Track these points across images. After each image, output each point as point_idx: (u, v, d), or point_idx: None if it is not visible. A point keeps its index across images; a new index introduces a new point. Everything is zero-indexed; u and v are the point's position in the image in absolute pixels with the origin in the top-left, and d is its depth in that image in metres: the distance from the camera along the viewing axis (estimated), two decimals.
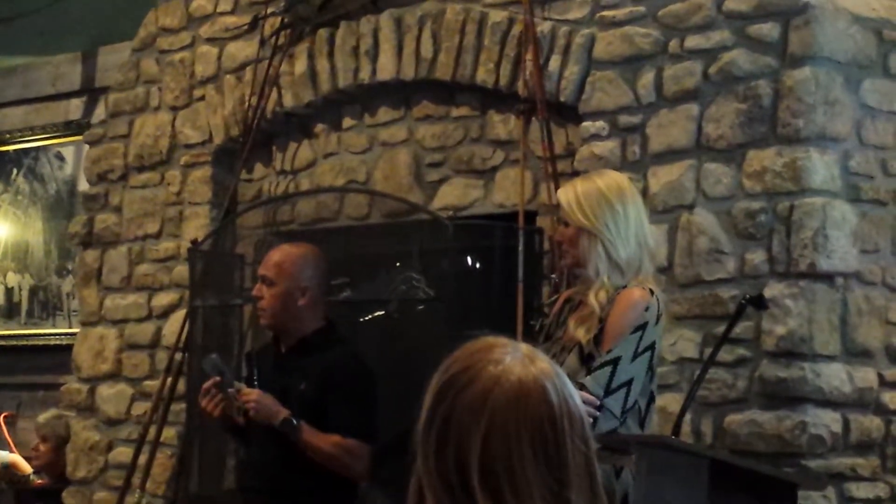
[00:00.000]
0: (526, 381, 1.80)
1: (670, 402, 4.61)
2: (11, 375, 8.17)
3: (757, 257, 4.66)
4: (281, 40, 6.11)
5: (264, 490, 4.81)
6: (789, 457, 4.50)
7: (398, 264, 5.52)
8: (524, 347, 1.86)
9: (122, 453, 6.44)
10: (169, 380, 6.03)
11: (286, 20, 6.11)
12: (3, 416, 7.83)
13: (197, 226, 6.33)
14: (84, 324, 6.82)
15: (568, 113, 5.23)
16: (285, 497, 4.76)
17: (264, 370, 4.88)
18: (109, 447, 6.59)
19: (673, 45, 4.94)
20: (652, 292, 3.95)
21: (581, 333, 3.94)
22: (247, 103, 6.16)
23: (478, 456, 1.76)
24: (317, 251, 4.98)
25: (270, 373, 4.86)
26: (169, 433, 6.16)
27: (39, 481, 6.94)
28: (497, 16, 5.43)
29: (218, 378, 4.72)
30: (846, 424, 4.59)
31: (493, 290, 5.24)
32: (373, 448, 4.74)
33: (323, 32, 6.01)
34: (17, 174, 8.47)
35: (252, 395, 4.71)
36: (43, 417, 7.08)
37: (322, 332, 4.88)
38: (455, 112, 5.64)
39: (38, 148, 8.37)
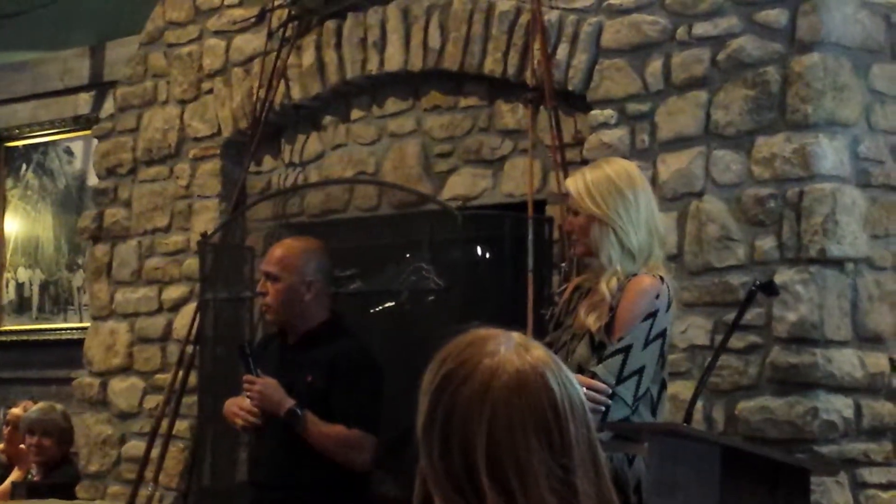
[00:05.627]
0: (524, 371, 1.78)
1: (681, 389, 4.60)
2: (23, 370, 8.18)
3: (767, 244, 4.65)
4: (288, 32, 6.11)
5: (275, 484, 4.79)
6: (801, 443, 4.49)
7: (408, 255, 5.52)
8: (517, 336, 1.83)
9: (135, 447, 6.45)
10: (180, 373, 6.04)
11: (293, 12, 6.11)
12: None
13: (206, 219, 6.33)
14: (95, 318, 6.83)
15: (576, 101, 5.22)
16: (294, 490, 4.74)
17: (270, 362, 4.84)
18: (122, 441, 6.60)
19: (681, 32, 4.93)
20: (662, 279, 3.94)
21: (592, 321, 3.93)
22: (255, 96, 6.16)
23: (484, 450, 1.74)
24: (319, 244, 4.97)
25: (277, 365, 4.84)
26: (181, 426, 6.17)
27: (37, 477, 6.88)
28: (504, 5, 5.42)
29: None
30: (858, 410, 4.59)
31: (504, 280, 5.24)
32: (379, 439, 4.72)
33: (330, 24, 6.01)
34: (27, 169, 8.47)
35: (256, 385, 4.70)
36: (37, 411, 6.88)
37: (327, 324, 4.87)
38: (463, 102, 5.64)
39: (46, 143, 8.37)
